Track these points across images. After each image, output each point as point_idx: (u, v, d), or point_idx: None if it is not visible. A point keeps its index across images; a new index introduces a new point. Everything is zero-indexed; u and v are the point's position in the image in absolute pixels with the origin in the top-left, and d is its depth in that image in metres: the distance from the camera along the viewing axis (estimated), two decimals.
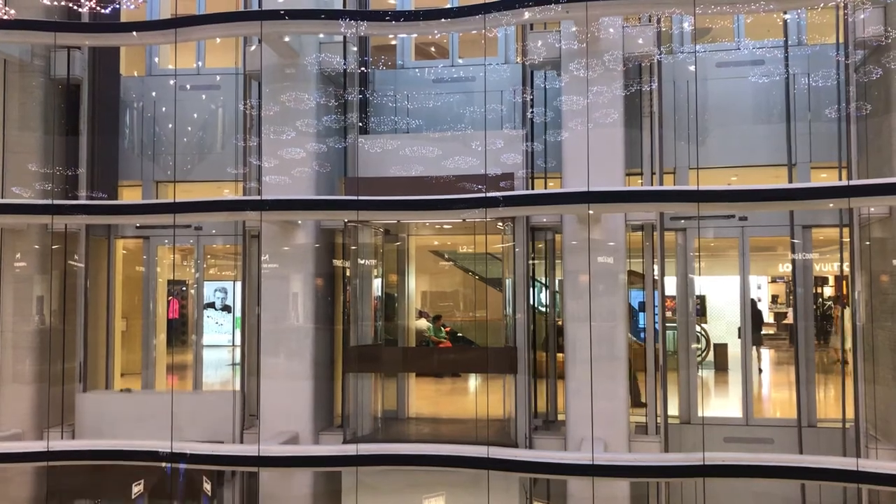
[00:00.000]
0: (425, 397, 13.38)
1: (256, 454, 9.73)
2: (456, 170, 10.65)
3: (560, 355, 11.18)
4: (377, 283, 12.25)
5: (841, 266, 10.39)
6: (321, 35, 11.06)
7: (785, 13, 10.63)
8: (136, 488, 10.69)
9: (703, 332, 15.73)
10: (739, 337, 11.81)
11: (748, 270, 11.39)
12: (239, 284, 11.57)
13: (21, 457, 10.40)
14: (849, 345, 10.37)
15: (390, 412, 12.26)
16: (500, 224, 10.84)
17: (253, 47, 11.11)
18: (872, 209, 9.89)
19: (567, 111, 10.23)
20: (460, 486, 10.07)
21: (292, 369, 10.81)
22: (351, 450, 9.75)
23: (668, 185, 10.81)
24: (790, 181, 10.71)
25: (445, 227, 12.21)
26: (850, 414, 10.12)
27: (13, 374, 11.29)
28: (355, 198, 9.87)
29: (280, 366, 10.83)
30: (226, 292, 18.42)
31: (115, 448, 10.25)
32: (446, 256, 13.61)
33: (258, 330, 11.04)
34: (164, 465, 9.94)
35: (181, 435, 10.07)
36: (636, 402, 10.96)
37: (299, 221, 10.86)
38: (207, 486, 11.01)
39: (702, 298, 14.32)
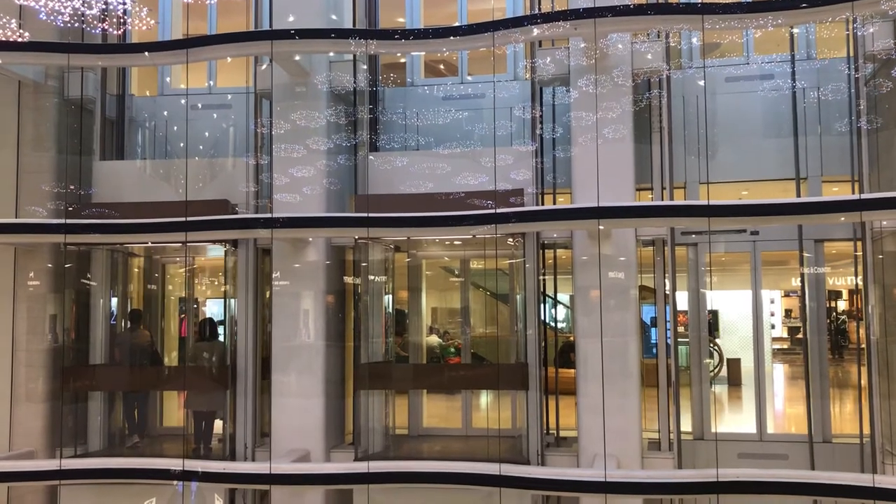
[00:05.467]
0: (437, 414, 13.34)
1: (268, 472, 9.72)
2: (466, 186, 10.67)
3: (565, 371, 11.17)
4: (387, 300, 12.25)
5: (855, 280, 10.31)
6: (331, 54, 11.13)
7: (793, 28, 10.64)
8: None
9: (716, 347, 15.65)
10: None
11: (760, 285, 11.34)
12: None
13: (34, 475, 10.43)
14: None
15: (402, 428, 12.23)
16: (511, 240, 10.85)
17: (264, 66, 11.20)
18: (885, 222, 9.83)
19: (576, 127, 10.24)
20: None
21: (303, 386, 10.81)
22: (362, 467, 9.72)
23: (679, 200, 10.79)
24: (801, 195, 10.68)
25: (455, 243, 12.23)
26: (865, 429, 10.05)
27: (26, 393, 11.33)
28: (366, 215, 9.90)
29: (291, 383, 10.83)
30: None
31: (126, 466, 10.27)
32: (456, 272, 13.61)
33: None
34: (175, 483, 9.95)
35: None
36: None
37: (310, 239, 10.89)
38: None
39: (714, 313, 14.25)
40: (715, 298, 12.23)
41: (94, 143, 11.94)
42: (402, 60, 12.57)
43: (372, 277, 11.44)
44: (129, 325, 12.27)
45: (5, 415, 11.21)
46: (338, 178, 11.16)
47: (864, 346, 10.45)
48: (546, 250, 11.17)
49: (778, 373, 17.42)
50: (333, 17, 11.36)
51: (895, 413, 9.90)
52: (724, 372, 15.77)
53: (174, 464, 9.80)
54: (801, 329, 11.31)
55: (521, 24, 9.68)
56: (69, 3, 9.80)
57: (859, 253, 10.33)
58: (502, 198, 9.98)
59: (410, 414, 12.37)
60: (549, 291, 11.58)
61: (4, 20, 10.28)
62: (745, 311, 11.80)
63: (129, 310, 12.49)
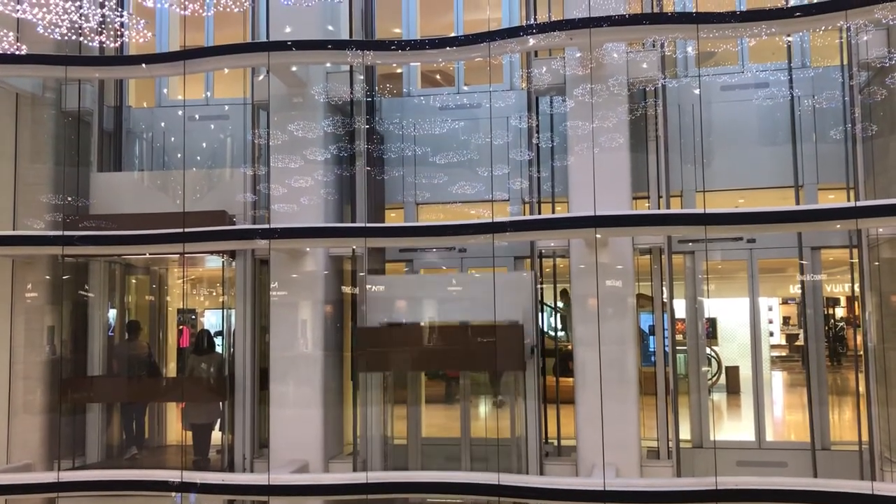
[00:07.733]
0: (436, 423, 13.32)
1: (267, 483, 9.70)
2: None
3: (564, 380, 11.15)
4: None
5: (852, 287, 10.34)
6: (328, 64, 11.17)
7: (788, 36, 10.69)
8: None
9: (714, 355, 15.65)
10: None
11: (758, 292, 11.36)
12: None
13: (32, 488, 10.39)
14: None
15: (401, 438, 12.18)
16: None
17: (261, 77, 11.24)
18: (881, 230, 9.87)
19: (573, 136, 10.27)
20: None
21: (302, 397, 10.80)
22: (361, 478, 9.71)
23: (675, 209, 10.82)
24: (797, 203, 10.71)
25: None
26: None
27: (24, 405, 11.31)
28: (364, 225, 9.92)
29: (289, 393, 10.82)
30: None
31: (125, 478, 10.24)
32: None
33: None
34: (174, 495, 9.92)
35: None
36: None
37: (308, 249, 10.90)
38: None
39: (713, 321, 14.24)
40: (713, 306, 12.25)
41: (92, 154, 11.96)
42: (399, 71, 12.61)
43: (370, 287, 11.43)
44: (127, 337, 12.27)
45: (3, 427, 11.18)
46: (335, 189, 11.18)
47: (861, 352, 10.46)
48: (544, 259, 11.19)
49: (776, 380, 17.45)
50: (330, 28, 11.40)
51: (894, 420, 9.90)
52: (722, 380, 15.77)
53: (173, 475, 9.78)
54: (800, 336, 11.32)
55: (517, 34, 9.71)
56: (66, 15, 9.83)
57: (856, 260, 10.35)
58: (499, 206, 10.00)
59: (409, 423, 12.32)
60: (548, 300, 11.60)
61: (2, 33, 10.31)
62: (743, 318, 11.81)
63: (126, 321, 12.50)
